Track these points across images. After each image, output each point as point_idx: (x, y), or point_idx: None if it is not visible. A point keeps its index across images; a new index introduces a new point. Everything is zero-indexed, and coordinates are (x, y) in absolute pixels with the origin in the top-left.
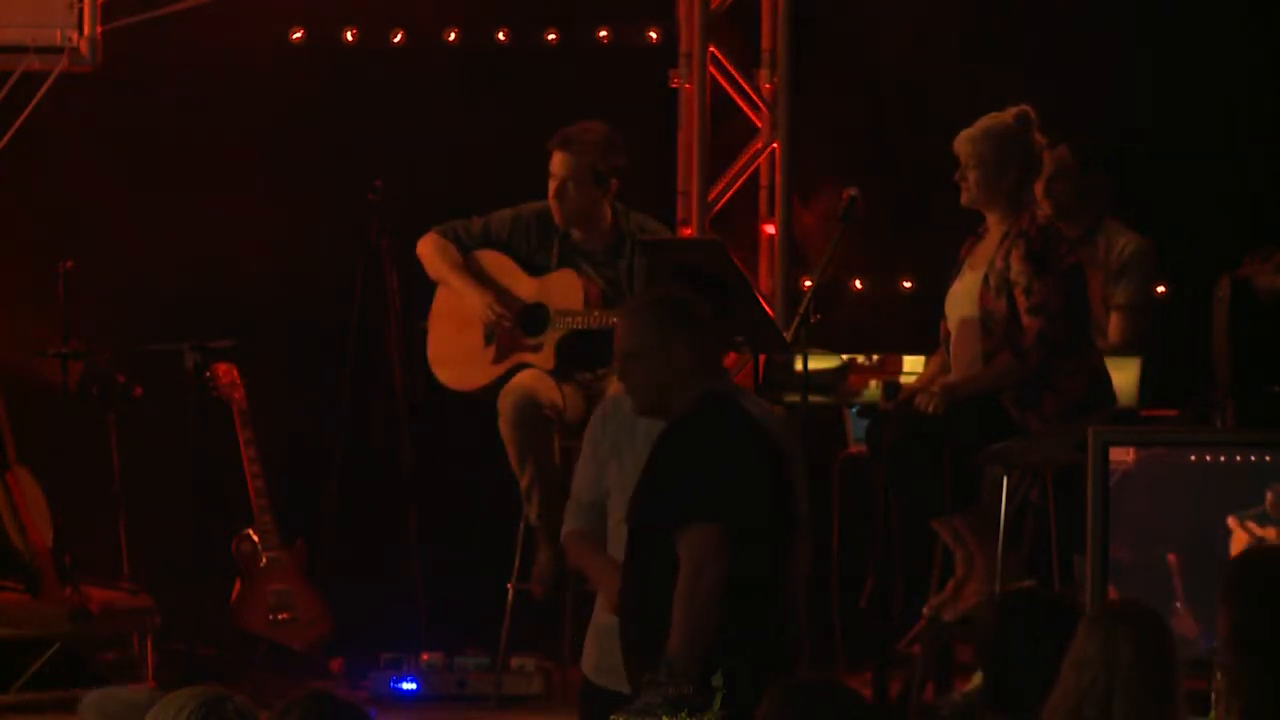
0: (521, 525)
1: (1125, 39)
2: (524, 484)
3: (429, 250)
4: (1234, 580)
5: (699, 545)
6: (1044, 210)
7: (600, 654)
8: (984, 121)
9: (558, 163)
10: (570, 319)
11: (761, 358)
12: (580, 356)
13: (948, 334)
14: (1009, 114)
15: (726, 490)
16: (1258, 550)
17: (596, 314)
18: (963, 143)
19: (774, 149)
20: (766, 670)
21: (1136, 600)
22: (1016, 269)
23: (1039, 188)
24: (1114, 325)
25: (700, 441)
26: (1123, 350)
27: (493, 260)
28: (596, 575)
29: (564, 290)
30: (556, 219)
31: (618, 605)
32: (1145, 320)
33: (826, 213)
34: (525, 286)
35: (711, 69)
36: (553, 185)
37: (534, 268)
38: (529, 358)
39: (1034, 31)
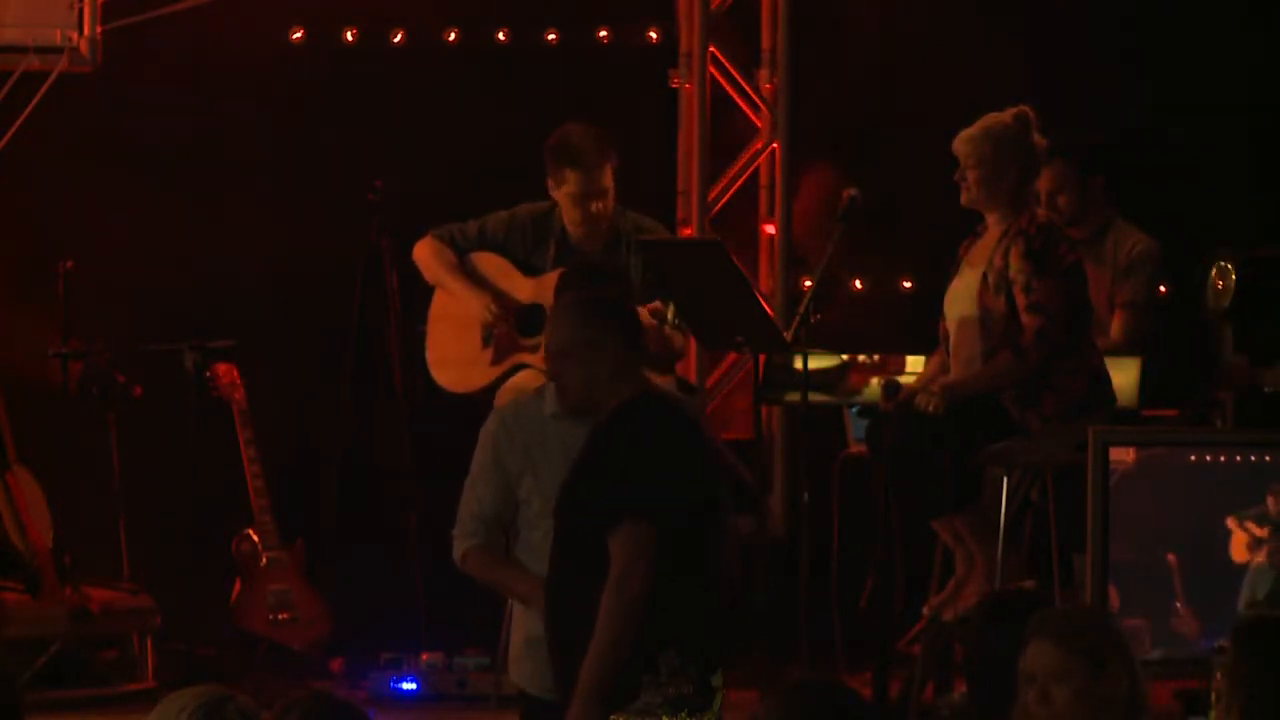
0: None
1: (1125, 38)
2: None
3: (425, 254)
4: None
5: (630, 543)
6: (1044, 210)
7: (536, 666)
8: (983, 121)
9: (610, 175)
10: None
11: (761, 358)
12: None
13: (947, 333)
14: (1008, 114)
15: (660, 491)
16: None
17: None
18: (962, 143)
19: (774, 149)
20: (698, 657)
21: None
22: (1015, 267)
23: (1044, 202)
24: (1117, 323)
25: (637, 440)
26: (1124, 348)
27: (489, 262)
28: (518, 586)
29: None
30: (599, 225)
31: (546, 607)
32: (1148, 320)
33: (815, 198)
34: (522, 288)
35: (711, 69)
36: (611, 201)
37: (530, 269)
38: (527, 358)
39: (1034, 30)
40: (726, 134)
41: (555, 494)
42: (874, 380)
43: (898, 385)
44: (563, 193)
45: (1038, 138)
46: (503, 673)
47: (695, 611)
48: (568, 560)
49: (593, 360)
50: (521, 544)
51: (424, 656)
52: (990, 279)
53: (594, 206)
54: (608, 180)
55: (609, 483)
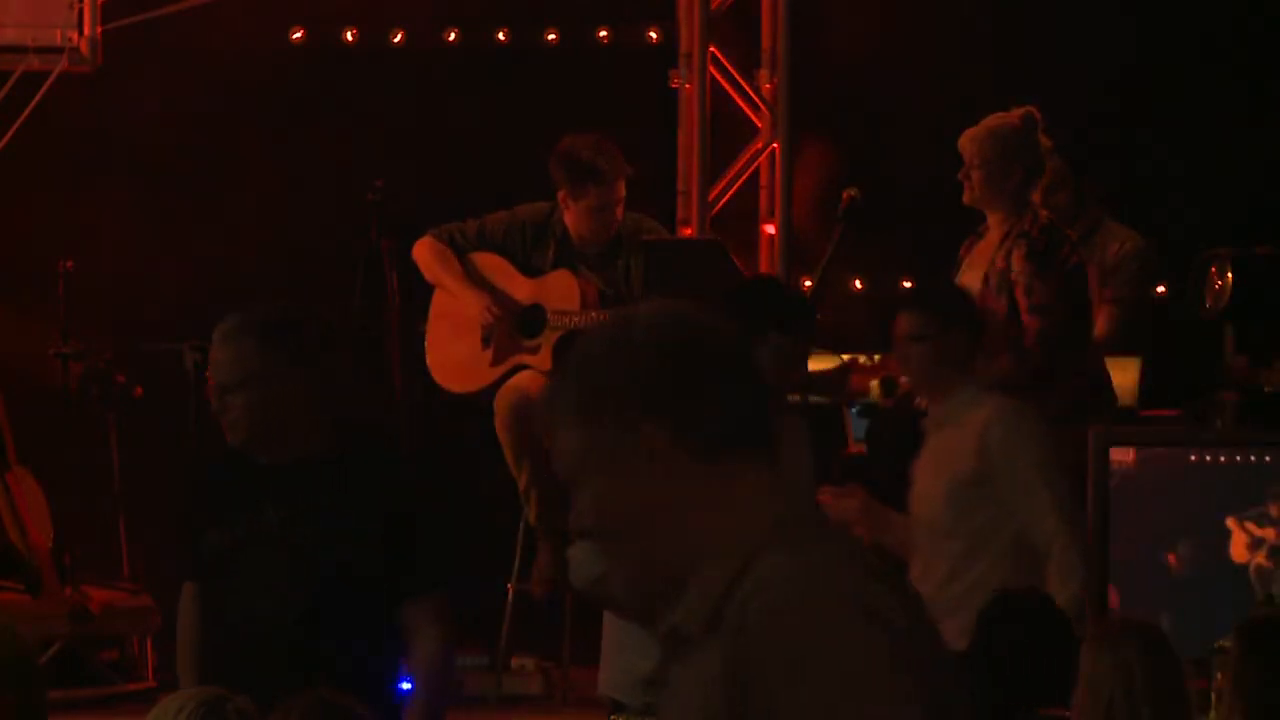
0: (521, 525)
1: (1124, 36)
2: (522, 485)
3: (424, 254)
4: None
5: (446, 606)
6: (1049, 212)
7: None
8: (990, 121)
9: (622, 187)
10: (567, 319)
11: None
12: None
13: None
14: (1015, 114)
15: (452, 543)
16: None
17: (593, 314)
18: (968, 141)
19: (774, 149)
20: None
21: (1132, 616)
22: (1018, 268)
23: (1038, 201)
24: (1102, 318)
25: (405, 493)
26: (1109, 344)
27: (489, 262)
28: None
29: (561, 291)
30: (610, 232)
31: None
32: (1134, 316)
33: (812, 192)
34: (522, 288)
35: (711, 69)
36: (621, 210)
37: (530, 269)
38: (527, 359)
39: (1035, 30)
40: (726, 134)
41: None
42: (873, 382)
43: (896, 382)
44: (582, 205)
45: (1043, 139)
46: (504, 672)
47: None
48: (342, 632)
49: (273, 393)
50: None
51: None
52: (992, 280)
53: (610, 216)
54: (623, 190)
55: (415, 545)
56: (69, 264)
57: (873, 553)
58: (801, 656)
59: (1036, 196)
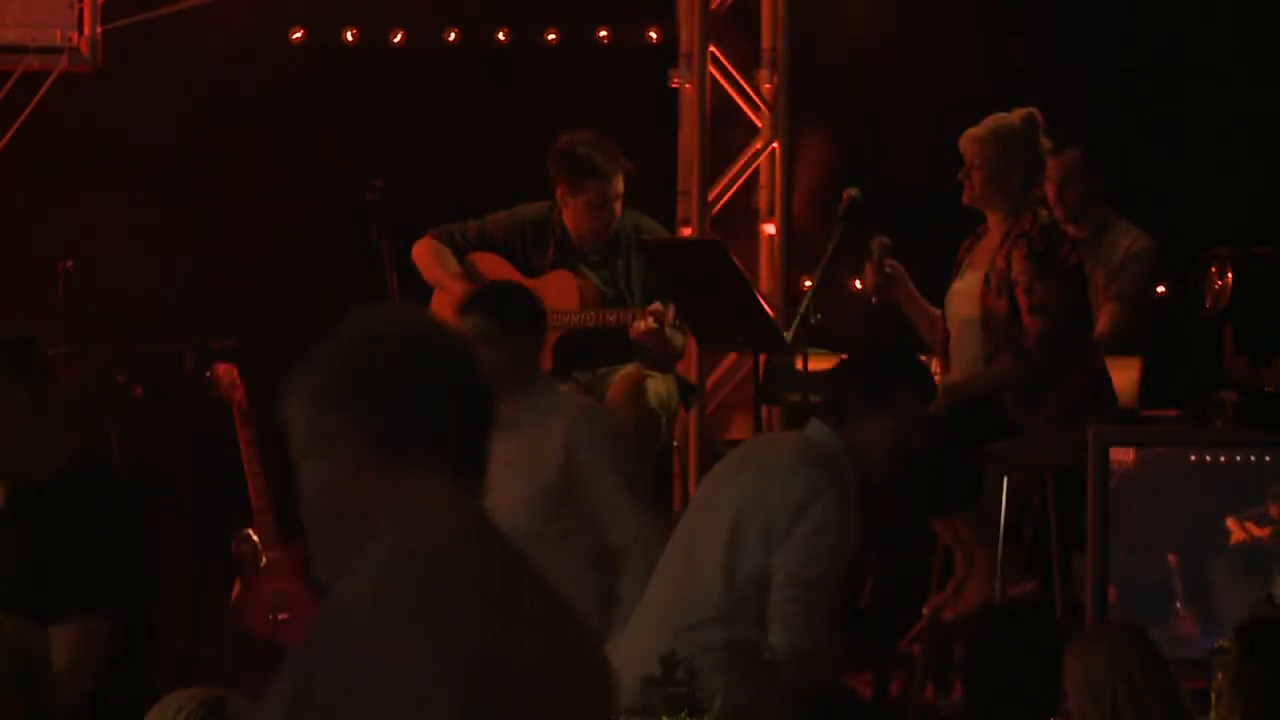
0: None
1: (1124, 38)
2: None
3: (424, 254)
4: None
5: (81, 639)
6: (1049, 212)
7: None
8: (991, 121)
9: (620, 183)
10: (567, 319)
11: (761, 358)
12: (577, 356)
13: (947, 334)
14: (1016, 115)
15: (113, 576)
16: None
17: (593, 314)
18: (969, 141)
19: (774, 149)
20: None
21: (1114, 621)
22: (1018, 268)
23: (1051, 193)
24: (1105, 316)
25: (79, 520)
26: (1111, 342)
27: (488, 262)
28: None
29: (560, 291)
30: (609, 229)
31: None
32: (1137, 315)
33: (813, 173)
34: None
35: (711, 69)
36: (619, 206)
37: (530, 269)
38: None
39: (1035, 30)
40: (726, 134)
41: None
42: None
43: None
44: (580, 201)
45: (1044, 140)
46: None
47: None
48: None
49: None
50: None
51: None
52: (992, 280)
53: (609, 212)
54: (621, 186)
55: (50, 572)
56: (69, 264)
57: (526, 579)
58: (339, 666)
59: (1050, 189)
